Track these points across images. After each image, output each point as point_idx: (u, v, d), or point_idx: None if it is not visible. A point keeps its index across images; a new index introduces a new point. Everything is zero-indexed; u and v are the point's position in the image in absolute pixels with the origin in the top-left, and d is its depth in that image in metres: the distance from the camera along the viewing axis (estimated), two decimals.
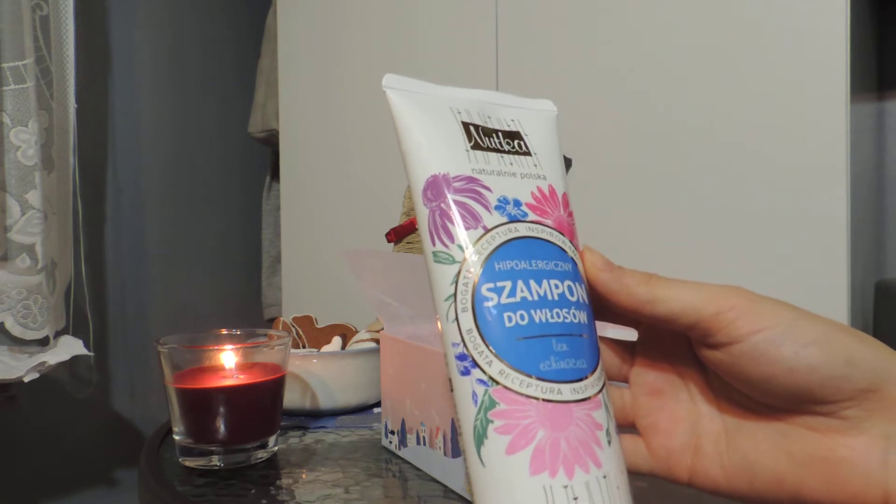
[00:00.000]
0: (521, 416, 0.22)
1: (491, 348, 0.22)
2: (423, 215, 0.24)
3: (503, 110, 0.28)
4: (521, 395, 0.22)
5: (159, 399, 1.38)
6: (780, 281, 0.89)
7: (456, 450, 0.39)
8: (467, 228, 0.24)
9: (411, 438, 0.45)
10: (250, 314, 1.68)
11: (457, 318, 0.23)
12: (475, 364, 0.22)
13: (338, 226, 1.32)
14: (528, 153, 0.27)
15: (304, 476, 0.43)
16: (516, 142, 0.27)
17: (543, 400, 0.22)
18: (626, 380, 0.29)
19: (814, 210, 0.87)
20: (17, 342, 1.01)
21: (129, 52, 1.37)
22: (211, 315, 1.56)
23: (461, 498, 0.39)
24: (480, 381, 0.22)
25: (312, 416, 0.57)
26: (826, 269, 0.86)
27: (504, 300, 0.23)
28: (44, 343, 1.03)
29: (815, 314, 0.24)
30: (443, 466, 0.41)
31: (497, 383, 0.22)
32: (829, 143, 0.87)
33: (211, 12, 1.58)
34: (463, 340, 0.23)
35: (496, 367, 0.22)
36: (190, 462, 0.45)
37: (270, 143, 1.56)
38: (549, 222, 0.25)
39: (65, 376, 1.16)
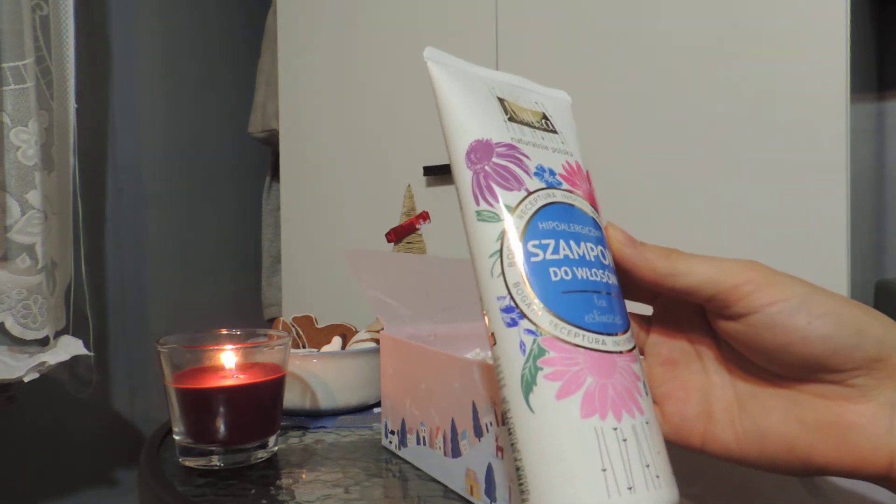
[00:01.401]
0: (571, 364, 0.22)
1: (539, 300, 0.23)
2: (465, 177, 0.25)
3: (527, 93, 0.29)
4: (570, 343, 0.23)
5: (159, 399, 1.38)
6: None
7: (456, 450, 0.39)
8: (511, 190, 0.25)
9: (411, 438, 0.45)
10: (250, 314, 1.68)
11: (503, 273, 0.24)
12: (523, 315, 0.23)
13: (338, 226, 1.32)
14: (554, 131, 0.28)
15: (304, 476, 0.43)
16: (543, 120, 0.29)
17: (590, 349, 0.23)
18: (641, 351, 0.30)
19: (814, 210, 0.87)
20: (17, 342, 1.01)
21: (129, 52, 1.37)
22: (211, 315, 1.56)
23: (461, 498, 0.39)
24: (529, 331, 0.23)
25: (312, 416, 0.57)
26: (826, 269, 0.86)
27: (549, 256, 0.24)
28: (44, 343, 1.03)
29: (826, 289, 0.25)
30: (443, 466, 0.41)
31: (546, 333, 0.23)
32: (829, 143, 0.87)
33: (211, 12, 1.58)
34: (510, 293, 0.24)
35: (545, 318, 0.23)
36: (190, 462, 0.45)
37: (270, 143, 1.56)
38: (579, 193, 0.27)
39: (65, 376, 1.16)
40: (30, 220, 1.00)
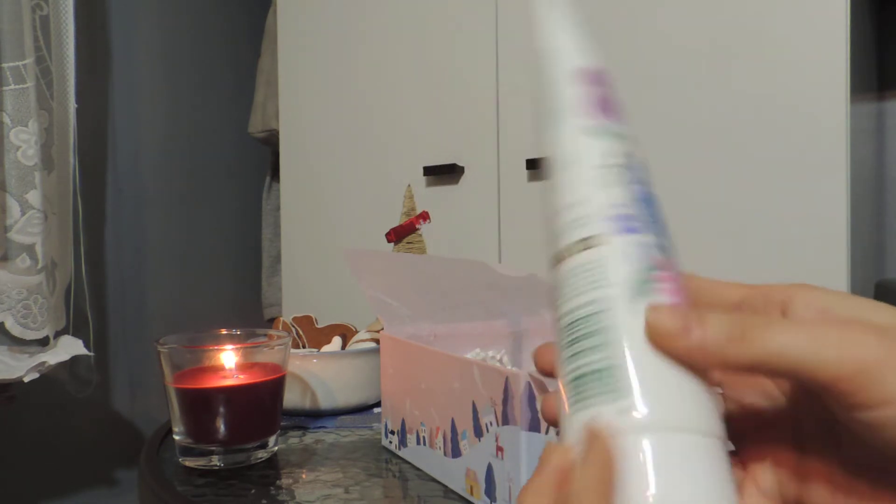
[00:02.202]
0: (677, 288, 0.22)
1: (655, 225, 0.23)
2: (585, 93, 0.25)
3: None
4: (677, 272, 0.23)
5: (159, 399, 1.38)
6: (781, 281, 0.89)
7: (456, 450, 0.39)
8: (625, 123, 0.26)
9: (411, 438, 0.45)
10: (250, 314, 1.68)
11: (627, 184, 0.24)
12: (643, 229, 0.23)
13: (338, 226, 1.32)
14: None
15: (304, 476, 0.43)
16: None
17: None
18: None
19: (814, 210, 0.87)
20: (17, 342, 1.01)
21: (129, 52, 1.37)
22: (211, 315, 1.56)
23: (461, 498, 0.39)
24: (646, 244, 0.23)
25: (312, 416, 0.57)
26: (826, 269, 0.86)
27: (654, 197, 0.25)
28: (44, 343, 1.03)
29: None
30: (443, 466, 0.41)
31: (660, 254, 0.23)
32: (829, 142, 0.87)
33: (211, 12, 1.58)
34: (633, 205, 0.24)
35: (660, 241, 0.23)
36: (190, 462, 0.45)
37: (270, 143, 1.56)
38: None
39: (65, 376, 1.16)
40: (30, 220, 1.00)
